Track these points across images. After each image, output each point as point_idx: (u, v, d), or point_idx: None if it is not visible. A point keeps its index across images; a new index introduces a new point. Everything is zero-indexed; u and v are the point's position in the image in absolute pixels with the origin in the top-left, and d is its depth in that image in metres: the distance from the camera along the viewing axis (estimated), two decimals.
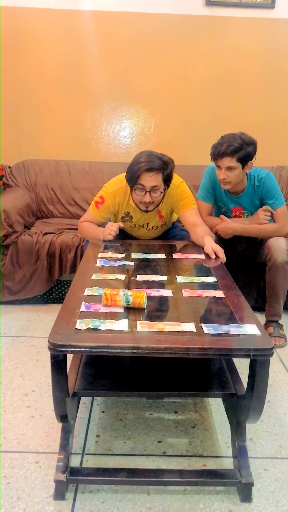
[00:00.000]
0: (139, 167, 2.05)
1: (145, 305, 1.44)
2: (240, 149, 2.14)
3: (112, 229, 2.18)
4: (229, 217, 2.45)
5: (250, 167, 2.22)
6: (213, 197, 2.45)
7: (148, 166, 2.03)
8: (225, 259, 2.00)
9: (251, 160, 2.20)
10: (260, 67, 3.21)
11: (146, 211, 2.19)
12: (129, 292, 1.44)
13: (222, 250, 2.04)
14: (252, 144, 2.18)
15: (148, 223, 2.34)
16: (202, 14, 3.09)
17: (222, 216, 2.41)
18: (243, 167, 2.20)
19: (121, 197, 2.24)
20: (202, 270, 1.87)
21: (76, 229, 2.81)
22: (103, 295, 1.45)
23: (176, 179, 2.23)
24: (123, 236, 2.41)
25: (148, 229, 2.36)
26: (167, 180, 2.11)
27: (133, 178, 2.08)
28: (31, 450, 1.61)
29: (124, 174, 2.17)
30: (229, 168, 2.18)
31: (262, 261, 2.40)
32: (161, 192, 2.13)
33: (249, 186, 2.34)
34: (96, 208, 2.28)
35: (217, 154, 2.17)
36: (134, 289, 1.52)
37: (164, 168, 2.07)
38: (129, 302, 1.43)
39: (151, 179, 2.05)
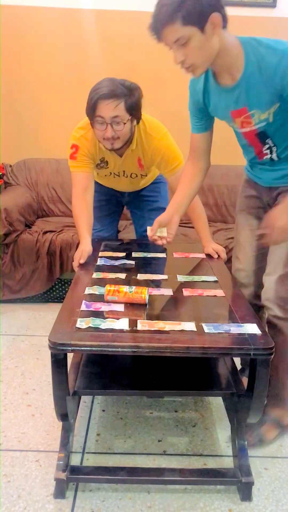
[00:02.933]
0: (95, 93, 1.72)
1: (147, 300, 1.46)
2: (181, 5, 1.26)
3: (75, 264, 1.83)
4: (237, 133, 1.57)
5: (218, 24, 1.32)
6: (204, 120, 1.63)
7: (106, 91, 1.69)
8: (226, 258, 1.93)
9: (214, 11, 1.30)
10: None
11: (113, 150, 1.86)
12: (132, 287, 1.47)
13: (224, 249, 1.95)
14: None
15: (124, 171, 2.04)
16: None
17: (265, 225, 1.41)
18: (202, 29, 1.30)
19: (93, 139, 1.90)
20: (202, 269, 1.87)
21: None
22: (105, 290, 1.46)
23: (158, 131, 1.91)
24: (104, 191, 2.19)
25: (126, 176, 2.06)
26: (132, 110, 1.76)
27: (90, 110, 1.75)
28: (31, 448, 1.62)
29: None
30: (179, 41, 1.33)
31: None
32: (125, 124, 1.76)
33: (248, 61, 1.38)
34: (74, 161, 1.94)
35: (154, 27, 1.37)
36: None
37: (127, 94, 1.72)
38: (131, 290, 1.45)
39: (109, 108, 1.71)
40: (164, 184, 2.27)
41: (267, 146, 1.53)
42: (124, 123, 1.76)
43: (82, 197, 1.95)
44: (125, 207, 2.43)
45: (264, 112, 1.41)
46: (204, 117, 1.62)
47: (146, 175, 2.12)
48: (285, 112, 1.40)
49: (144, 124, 1.91)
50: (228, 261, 2.49)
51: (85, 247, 1.85)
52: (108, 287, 1.47)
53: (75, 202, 1.97)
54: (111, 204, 2.31)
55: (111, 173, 2.06)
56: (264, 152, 1.55)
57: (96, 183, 2.11)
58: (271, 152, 1.54)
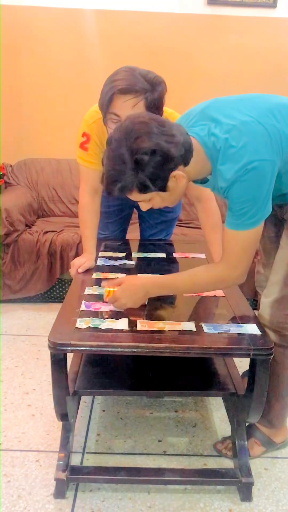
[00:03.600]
0: (111, 86, 1.45)
1: (146, 301, 1.44)
2: (121, 176, 1.16)
3: (72, 271, 1.74)
4: None
5: (180, 177, 1.20)
6: None
7: (123, 85, 1.43)
8: None
9: (176, 169, 1.18)
10: (261, 66, 3.20)
11: None
12: None
13: None
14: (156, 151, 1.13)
15: None
16: (203, 13, 3.09)
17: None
18: (162, 189, 1.20)
19: (103, 130, 1.66)
20: None
21: (77, 226, 2.82)
22: (104, 292, 1.45)
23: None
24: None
25: None
26: (154, 108, 1.48)
27: (104, 104, 1.49)
28: (31, 448, 1.62)
29: None
30: (141, 204, 1.27)
31: None
32: None
33: (215, 175, 1.26)
34: (84, 151, 1.71)
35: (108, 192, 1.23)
36: None
37: (149, 90, 1.45)
38: None
39: (126, 106, 1.44)
40: None
41: None
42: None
43: (92, 200, 1.81)
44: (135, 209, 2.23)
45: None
46: None
47: None
48: None
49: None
50: None
51: (89, 264, 1.76)
52: (107, 289, 1.46)
53: (84, 203, 1.81)
54: (122, 209, 2.12)
55: None
56: None
57: None
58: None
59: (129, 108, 1.44)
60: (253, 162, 1.15)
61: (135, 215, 2.27)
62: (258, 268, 1.74)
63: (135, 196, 1.20)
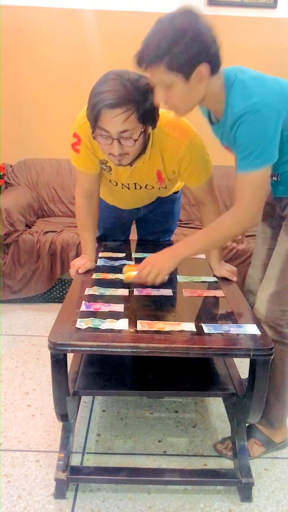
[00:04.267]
0: (98, 100, 1.31)
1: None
2: (170, 50, 1.21)
3: (72, 271, 1.73)
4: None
5: (203, 76, 1.26)
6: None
7: (111, 99, 1.29)
8: (236, 279, 1.69)
9: (199, 63, 1.24)
10: (261, 67, 3.16)
11: (120, 165, 1.49)
12: None
13: (236, 269, 1.73)
14: (191, 36, 1.22)
15: (136, 183, 1.67)
16: (204, 13, 3.08)
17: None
18: (186, 78, 1.24)
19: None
20: (202, 269, 1.87)
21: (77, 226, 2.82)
22: (124, 273, 1.55)
23: (183, 133, 1.51)
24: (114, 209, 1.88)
25: (139, 188, 1.70)
26: (147, 118, 1.37)
27: (91, 118, 1.37)
28: (31, 448, 1.62)
29: None
30: (162, 84, 1.28)
31: None
32: (135, 140, 1.38)
33: (226, 109, 1.33)
34: (77, 154, 1.58)
35: (139, 63, 1.29)
36: None
37: (140, 101, 1.32)
38: None
39: (116, 121, 1.32)
40: (179, 199, 2.03)
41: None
42: (135, 140, 1.39)
43: (88, 203, 1.74)
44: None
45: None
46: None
47: (166, 188, 1.74)
48: None
49: (164, 126, 1.51)
50: (230, 259, 2.49)
51: (90, 265, 1.75)
52: (128, 272, 1.52)
53: (80, 207, 1.76)
54: (125, 222, 2.10)
55: (116, 182, 1.70)
56: (273, 178, 1.53)
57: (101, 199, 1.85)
58: (277, 177, 1.50)
59: (119, 123, 1.33)
60: (259, 104, 1.24)
61: None
62: (249, 271, 1.75)
63: (159, 72, 1.23)
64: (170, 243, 2.21)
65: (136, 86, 1.34)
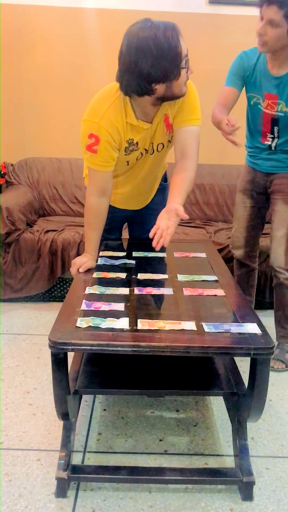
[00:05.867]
0: (171, 35, 1.48)
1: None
2: None
3: (73, 270, 1.76)
4: (258, 109, 1.96)
5: None
6: (240, 82, 2.00)
7: (171, 25, 1.52)
8: (167, 243, 1.59)
9: None
10: None
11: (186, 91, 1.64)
12: None
13: (171, 233, 1.59)
14: None
15: (152, 143, 1.76)
16: (204, 12, 3.08)
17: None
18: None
19: (116, 117, 1.62)
20: (203, 268, 1.87)
21: (78, 225, 2.82)
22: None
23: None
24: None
25: (154, 152, 1.79)
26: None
27: (175, 58, 1.48)
28: (32, 447, 1.62)
29: (101, 94, 1.68)
30: (271, 23, 1.71)
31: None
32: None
33: None
34: (93, 154, 1.65)
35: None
36: None
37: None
38: None
39: (182, 38, 1.52)
40: (167, 189, 1.99)
41: (271, 135, 1.98)
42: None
43: (99, 202, 1.78)
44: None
45: (287, 107, 1.86)
46: (240, 81, 1.98)
47: (170, 142, 1.82)
48: None
49: None
50: (230, 258, 2.50)
51: (91, 264, 1.77)
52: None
53: (90, 206, 1.79)
54: (119, 221, 2.16)
55: (141, 154, 1.77)
56: (268, 138, 2.00)
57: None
58: (272, 140, 1.98)
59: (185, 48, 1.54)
60: None
61: None
62: (232, 233, 2.32)
63: (274, 13, 1.70)
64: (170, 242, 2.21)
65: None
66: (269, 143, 1.99)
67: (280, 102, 1.86)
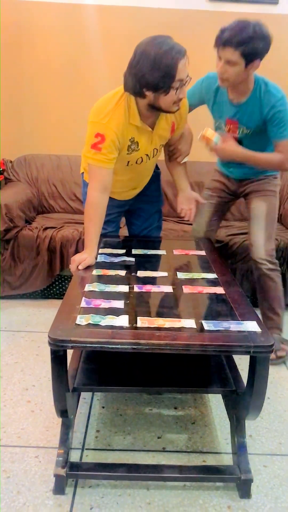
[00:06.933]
0: (174, 56, 1.59)
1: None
2: (249, 42, 1.74)
3: (73, 267, 1.78)
4: (222, 131, 2.14)
5: (256, 67, 1.84)
6: (198, 102, 2.14)
7: (180, 52, 1.61)
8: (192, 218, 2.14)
9: (259, 58, 1.81)
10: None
11: (177, 110, 1.78)
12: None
13: (194, 212, 2.13)
14: (264, 39, 1.79)
15: (154, 149, 1.94)
16: (205, 9, 3.07)
17: (226, 136, 2.04)
18: (246, 65, 1.80)
19: (120, 120, 1.75)
20: (202, 266, 1.87)
21: (77, 223, 2.81)
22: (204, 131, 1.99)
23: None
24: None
25: (153, 155, 1.95)
26: None
27: (169, 77, 1.61)
28: (31, 444, 1.62)
29: (106, 97, 1.81)
30: (229, 62, 1.80)
31: None
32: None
33: (254, 95, 1.93)
34: (98, 151, 1.75)
35: (220, 41, 1.79)
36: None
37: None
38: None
39: (185, 68, 1.63)
40: (159, 178, 2.26)
41: (240, 131, 2.06)
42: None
43: (101, 197, 1.83)
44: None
45: (248, 130, 2.02)
46: (198, 101, 2.13)
47: (161, 146, 2.03)
48: (258, 135, 2.02)
49: None
50: (230, 256, 2.50)
51: (89, 259, 1.78)
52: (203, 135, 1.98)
53: (92, 202, 1.83)
54: (118, 214, 2.19)
55: (141, 158, 1.91)
56: None
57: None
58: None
59: (186, 68, 1.66)
60: (283, 97, 1.93)
61: None
62: (194, 226, 2.40)
63: (231, 53, 1.78)
64: (170, 240, 2.22)
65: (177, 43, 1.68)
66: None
67: (241, 126, 2.03)
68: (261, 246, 2.14)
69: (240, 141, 2.06)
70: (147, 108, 1.75)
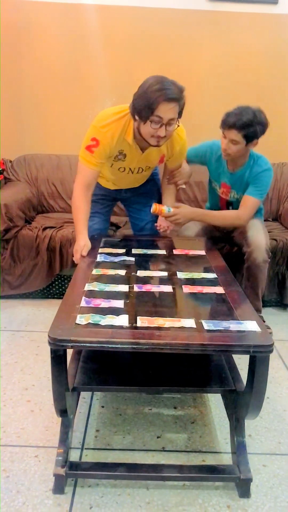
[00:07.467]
0: (157, 96, 1.73)
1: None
2: (250, 126, 2.09)
3: (77, 257, 1.93)
4: (216, 194, 2.46)
5: (255, 144, 2.20)
6: (198, 159, 2.44)
7: (168, 95, 1.73)
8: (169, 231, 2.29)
9: (257, 138, 2.17)
10: (262, 63, 3.19)
11: (156, 146, 1.92)
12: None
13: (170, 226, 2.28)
14: (262, 124, 2.13)
15: (140, 167, 2.13)
16: (205, 9, 3.07)
17: (177, 204, 2.33)
18: (246, 144, 2.16)
19: (116, 133, 1.93)
20: (202, 266, 1.87)
21: None
22: (154, 207, 2.16)
23: (183, 135, 2.08)
24: (100, 187, 2.22)
25: (139, 172, 2.16)
26: (180, 112, 1.85)
27: (148, 109, 1.76)
28: (30, 444, 1.62)
29: (114, 108, 1.96)
30: (233, 141, 2.15)
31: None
32: (176, 125, 1.89)
33: (247, 166, 2.30)
34: (90, 153, 1.95)
35: (226, 124, 2.14)
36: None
37: (181, 98, 1.79)
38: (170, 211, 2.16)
39: (170, 111, 1.77)
40: (158, 180, 2.42)
41: (231, 195, 2.41)
42: (177, 125, 1.88)
43: (85, 192, 2.02)
44: (120, 203, 2.55)
45: (238, 195, 2.36)
46: (198, 161, 2.45)
47: (153, 168, 2.24)
48: None
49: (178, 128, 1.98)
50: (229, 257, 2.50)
51: (86, 242, 1.94)
52: (154, 206, 2.16)
53: (78, 193, 2.02)
54: (106, 200, 2.35)
55: (125, 168, 2.09)
56: None
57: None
58: None
59: (172, 112, 1.78)
60: (271, 169, 2.31)
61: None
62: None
63: (235, 134, 2.11)
64: (170, 239, 2.22)
65: (176, 85, 1.78)
66: None
67: (232, 191, 2.37)
68: (263, 240, 2.28)
69: (230, 203, 2.43)
70: (137, 131, 1.90)
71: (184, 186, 2.38)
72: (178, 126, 1.91)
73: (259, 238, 2.27)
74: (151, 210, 2.18)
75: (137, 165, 2.09)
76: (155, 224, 2.28)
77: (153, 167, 2.22)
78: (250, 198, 2.26)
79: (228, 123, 2.12)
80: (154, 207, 2.17)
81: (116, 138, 1.93)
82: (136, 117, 1.84)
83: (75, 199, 2.03)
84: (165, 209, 2.19)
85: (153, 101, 1.74)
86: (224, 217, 2.36)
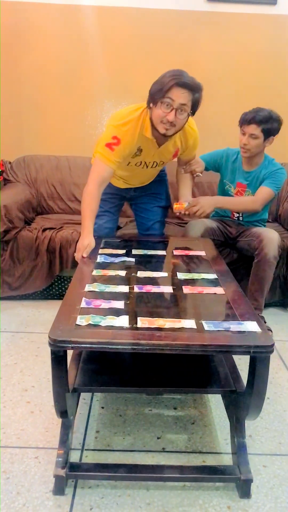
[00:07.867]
0: (171, 79, 1.83)
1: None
2: (268, 121, 2.26)
3: (78, 255, 1.95)
4: (229, 195, 2.55)
5: (271, 142, 2.35)
6: (211, 167, 2.56)
7: (181, 80, 1.83)
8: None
9: (273, 136, 2.32)
10: (261, 64, 3.19)
11: (164, 135, 1.97)
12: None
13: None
14: (278, 121, 2.30)
15: (155, 161, 2.19)
16: (203, 10, 3.08)
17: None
18: (264, 139, 2.31)
19: (136, 130, 2.00)
20: (202, 266, 1.87)
21: (76, 223, 2.81)
22: (174, 206, 2.26)
23: (196, 129, 2.16)
24: (110, 185, 2.22)
25: (153, 166, 2.22)
26: (194, 106, 1.92)
27: (161, 91, 1.85)
28: (30, 445, 1.62)
29: (128, 107, 2.04)
30: (252, 136, 2.30)
31: (251, 254, 2.42)
32: (186, 117, 1.94)
33: (263, 165, 2.45)
34: (110, 150, 1.99)
35: (245, 120, 2.30)
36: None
37: (196, 90, 1.88)
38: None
39: (182, 95, 1.85)
40: (167, 181, 2.49)
41: (238, 213, 2.57)
42: (187, 113, 1.92)
43: (98, 189, 2.03)
44: (127, 203, 2.56)
45: (252, 194, 2.47)
46: (212, 166, 2.57)
47: (165, 163, 2.28)
48: None
49: (189, 120, 2.04)
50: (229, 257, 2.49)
51: (90, 242, 1.95)
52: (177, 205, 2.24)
53: (91, 189, 2.02)
54: (116, 199, 2.37)
55: (141, 162, 2.14)
56: (236, 215, 2.58)
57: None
58: (240, 215, 2.57)
59: (184, 97, 1.86)
60: (283, 168, 2.46)
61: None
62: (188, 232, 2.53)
63: (254, 129, 2.29)
64: (164, 240, 2.22)
65: (197, 82, 1.89)
66: (236, 216, 2.58)
67: (247, 190, 2.48)
68: (276, 238, 2.34)
69: None
70: (150, 122, 1.96)
71: (201, 174, 2.44)
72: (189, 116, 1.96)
73: (271, 234, 2.35)
74: (174, 209, 2.26)
75: (153, 159, 2.14)
76: (175, 205, 2.29)
77: (166, 162, 2.26)
78: (266, 188, 2.40)
79: (247, 119, 2.29)
80: (176, 206, 2.25)
81: (137, 136, 1.99)
82: (151, 105, 1.91)
83: (87, 195, 2.02)
84: (186, 204, 2.27)
85: (166, 84, 1.83)
86: (240, 201, 2.47)
